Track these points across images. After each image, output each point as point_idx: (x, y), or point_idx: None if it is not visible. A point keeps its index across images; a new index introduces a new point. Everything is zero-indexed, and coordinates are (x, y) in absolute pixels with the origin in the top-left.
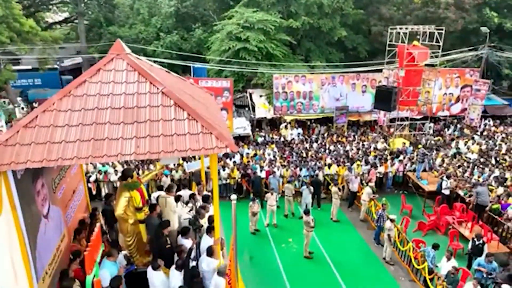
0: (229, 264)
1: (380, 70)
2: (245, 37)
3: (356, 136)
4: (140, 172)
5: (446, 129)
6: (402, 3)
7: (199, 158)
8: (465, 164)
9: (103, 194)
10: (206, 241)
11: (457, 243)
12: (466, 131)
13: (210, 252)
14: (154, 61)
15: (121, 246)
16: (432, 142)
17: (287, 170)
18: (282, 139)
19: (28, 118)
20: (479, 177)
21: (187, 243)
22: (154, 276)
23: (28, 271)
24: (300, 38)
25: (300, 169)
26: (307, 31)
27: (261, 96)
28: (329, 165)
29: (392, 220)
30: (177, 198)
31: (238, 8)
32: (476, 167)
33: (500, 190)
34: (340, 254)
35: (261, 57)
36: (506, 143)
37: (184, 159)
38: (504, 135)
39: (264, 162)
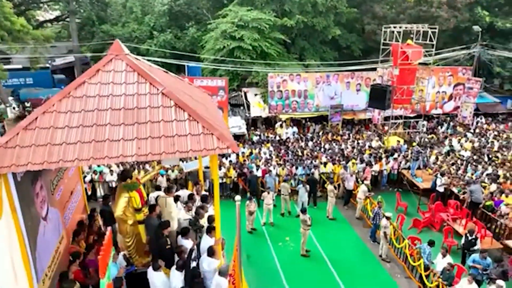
0: (233, 264)
1: (374, 69)
2: (240, 35)
3: (350, 135)
4: (136, 172)
5: (439, 127)
6: (395, 2)
7: (196, 158)
8: (459, 161)
9: (98, 194)
10: (206, 241)
11: (451, 240)
12: (459, 128)
13: (211, 252)
14: (148, 60)
15: (120, 247)
16: (426, 140)
17: (283, 169)
18: (277, 138)
19: (28, 120)
20: (472, 174)
21: (187, 243)
22: (155, 277)
23: (29, 273)
24: (294, 37)
25: (296, 168)
26: (301, 30)
27: (256, 95)
28: (325, 164)
29: (388, 218)
30: (176, 199)
31: (232, 7)
32: (469, 164)
33: (493, 187)
34: (337, 252)
35: (255, 56)
36: (498, 141)
37: (181, 159)
38: (496, 133)
39: (260, 161)
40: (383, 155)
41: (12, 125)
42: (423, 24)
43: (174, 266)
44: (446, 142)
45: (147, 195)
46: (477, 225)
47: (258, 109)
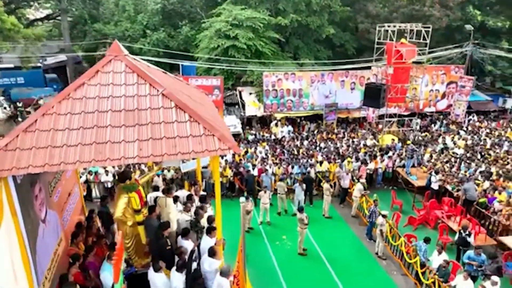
0: (237, 265)
1: (368, 67)
2: (234, 34)
3: (345, 133)
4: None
5: (432, 125)
6: (388, 0)
7: (194, 158)
8: (452, 159)
9: (93, 195)
10: (206, 241)
11: (446, 237)
12: (452, 126)
13: (212, 252)
14: (141, 59)
15: None
16: (420, 138)
17: (279, 168)
18: (273, 137)
19: (28, 122)
20: (465, 172)
21: (187, 244)
22: (156, 278)
23: (29, 276)
24: (289, 36)
25: (292, 167)
26: (295, 29)
27: (250, 94)
28: (321, 163)
29: (384, 216)
30: (175, 199)
31: (226, 5)
32: (462, 162)
33: (486, 184)
34: (333, 250)
35: (250, 55)
36: (490, 138)
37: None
38: (488, 130)
39: (256, 160)
40: (378, 154)
41: (3, 125)
42: (416, 23)
43: (175, 267)
44: (440, 140)
45: (146, 196)
46: (471, 222)
47: (253, 108)
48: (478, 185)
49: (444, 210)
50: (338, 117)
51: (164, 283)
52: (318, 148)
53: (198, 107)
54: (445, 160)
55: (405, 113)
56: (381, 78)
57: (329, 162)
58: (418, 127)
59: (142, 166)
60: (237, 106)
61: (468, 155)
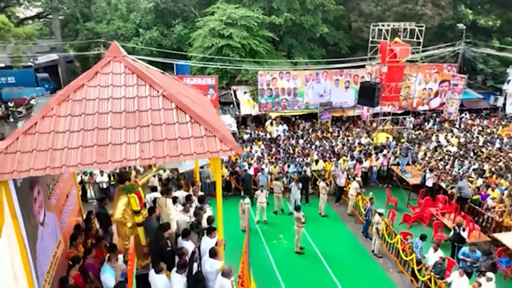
0: (242, 266)
1: (362, 66)
2: (228, 33)
3: (340, 132)
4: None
5: (426, 123)
6: None
7: None
8: (446, 157)
9: (88, 195)
10: (207, 242)
11: (441, 234)
12: (445, 124)
13: (213, 253)
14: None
15: (119, 249)
16: (413, 136)
17: (275, 167)
18: (268, 135)
19: (28, 124)
20: (459, 169)
21: (187, 245)
22: (157, 280)
23: (30, 279)
24: (283, 35)
25: (288, 166)
26: (289, 28)
27: (245, 93)
28: (316, 161)
29: (380, 214)
30: (174, 200)
31: (220, 4)
32: (456, 159)
33: (479, 181)
34: (330, 248)
35: (244, 54)
36: (482, 136)
37: None
38: (480, 128)
39: (252, 159)
40: (373, 152)
41: None
42: (409, 22)
43: (175, 269)
44: (433, 138)
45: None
46: (466, 219)
47: (248, 107)
48: (471, 182)
49: (438, 207)
50: (333, 116)
51: (165, 285)
52: (313, 147)
53: (198, 108)
54: (439, 158)
55: (399, 112)
56: (375, 77)
57: (325, 161)
58: (411, 125)
59: (138, 167)
60: (231, 105)
61: (461, 152)
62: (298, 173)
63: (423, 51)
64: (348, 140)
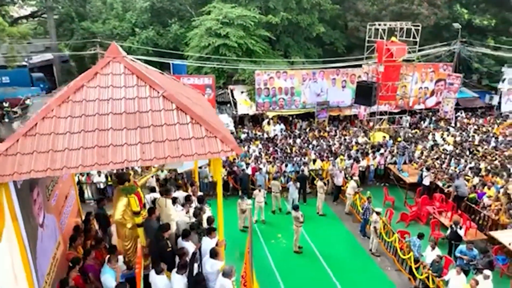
0: (244, 266)
1: (358, 65)
2: (225, 33)
3: (337, 131)
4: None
5: (422, 122)
6: None
7: None
8: (442, 155)
9: (86, 196)
10: (207, 243)
11: (438, 232)
12: (440, 123)
13: (213, 253)
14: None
15: (119, 250)
16: (410, 135)
17: (273, 166)
18: (265, 135)
19: (28, 126)
20: (455, 168)
21: (188, 245)
22: (158, 280)
23: (31, 282)
24: (279, 34)
25: (286, 165)
26: (286, 27)
27: (242, 92)
28: (314, 161)
29: (378, 213)
30: (173, 200)
31: (216, 3)
32: (452, 158)
33: (476, 180)
34: (328, 247)
35: (241, 53)
36: (478, 135)
37: None
38: (476, 127)
39: (249, 159)
40: (370, 151)
41: None
42: (406, 21)
43: (175, 269)
44: (430, 136)
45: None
46: (462, 217)
47: (245, 106)
48: (468, 181)
49: (435, 206)
50: (330, 115)
51: (166, 285)
52: (311, 146)
53: (198, 108)
54: (435, 157)
55: (395, 111)
56: (372, 76)
57: (322, 160)
58: (408, 124)
59: (136, 167)
60: (229, 105)
61: (457, 151)
62: (296, 173)
63: (419, 51)
64: (345, 139)
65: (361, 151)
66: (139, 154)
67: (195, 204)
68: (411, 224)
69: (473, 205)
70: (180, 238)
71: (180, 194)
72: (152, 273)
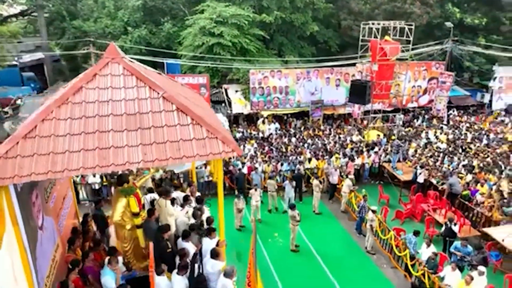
0: (249, 266)
1: (352, 64)
2: (219, 32)
3: (331, 130)
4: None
5: (415, 120)
6: None
7: None
8: (436, 153)
9: (80, 197)
10: (207, 243)
11: (432, 229)
12: (433, 121)
13: (214, 254)
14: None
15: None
16: (403, 133)
17: (268, 165)
18: (260, 134)
19: (27, 128)
20: (449, 166)
21: (188, 246)
22: (159, 281)
23: (31, 285)
24: (273, 33)
25: (281, 164)
26: (280, 26)
27: (236, 91)
28: (309, 159)
29: (374, 211)
30: (172, 201)
31: (210, 2)
32: (446, 156)
33: (469, 177)
34: (325, 246)
35: (235, 52)
36: (470, 132)
37: None
38: (468, 125)
39: (245, 158)
40: (364, 149)
41: None
42: (398, 20)
43: (176, 270)
44: (423, 135)
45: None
46: (456, 214)
47: (239, 105)
48: (461, 178)
49: (429, 203)
50: (324, 114)
51: (167, 286)
52: (306, 145)
53: (198, 109)
54: (429, 155)
55: (389, 109)
56: (365, 75)
57: (317, 159)
58: (401, 123)
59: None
60: (223, 104)
61: (450, 149)
62: (292, 172)
63: (412, 49)
64: (339, 137)
65: (356, 150)
66: (141, 156)
67: (193, 204)
68: (406, 221)
69: (467, 202)
70: (180, 239)
71: (178, 195)
72: (153, 274)
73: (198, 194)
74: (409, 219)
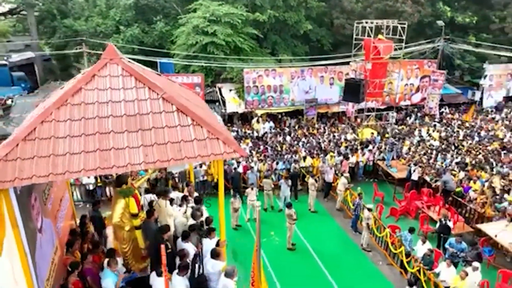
0: (252, 265)
1: (345, 63)
2: (213, 31)
3: (326, 128)
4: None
5: (408, 118)
6: None
7: None
8: (429, 151)
9: (74, 198)
10: (207, 243)
11: (427, 226)
12: (426, 119)
13: (214, 254)
14: None
15: (117, 253)
16: (397, 131)
17: (264, 164)
18: (255, 133)
19: (26, 130)
20: (442, 163)
21: (188, 247)
22: (159, 282)
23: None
24: (266, 32)
25: (277, 163)
26: (273, 25)
27: (230, 90)
28: (304, 158)
29: (370, 210)
30: (171, 201)
31: (203, 1)
32: (439, 153)
33: (462, 174)
34: (321, 244)
35: (229, 51)
36: (462, 130)
37: None
38: (459, 122)
39: (240, 157)
40: (359, 147)
41: None
42: (390, 19)
43: (176, 271)
44: (416, 132)
45: None
46: (450, 211)
47: (233, 105)
48: (454, 175)
49: (423, 200)
50: (318, 112)
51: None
52: (300, 144)
53: (198, 109)
54: (422, 152)
55: (382, 107)
56: (359, 74)
57: (312, 157)
58: (394, 121)
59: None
60: (217, 103)
61: (443, 146)
62: (287, 170)
63: (404, 48)
64: (334, 136)
65: (350, 148)
66: (142, 157)
67: (191, 204)
68: (400, 218)
69: (460, 199)
70: (179, 240)
71: (176, 195)
72: (153, 275)
73: (196, 194)
74: (403, 216)
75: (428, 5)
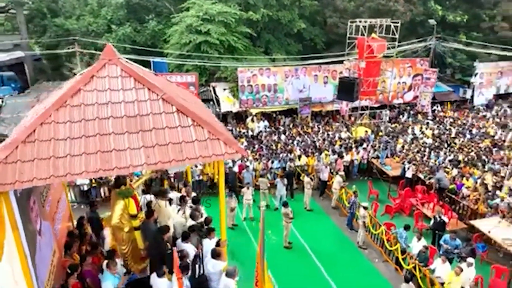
0: (256, 266)
1: (339, 62)
2: (206, 30)
3: (320, 127)
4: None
5: (400, 116)
6: None
7: None
8: (422, 149)
9: (69, 199)
10: (207, 244)
11: (421, 223)
12: (418, 117)
13: (215, 254)
14: None
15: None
16: (390, 129)
17: (259, 163)
18: (249, 132)
19: (26, 132)
20: (435, 160)
21: (187, 247)
22: (159, 283)
23: None
24: (260, 31)
25: (272, 162)
26: (267, 23)
27: (224, 89)
28: (299, 157)
29: (365, 208)
30: (169, 202)
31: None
32: (432, 151)
33: (455, 171)
34: (317, 242)
35: (223, 50)
36: (454, 127)
37: None
38: (451, 120)
39: None
40: (353, 145)
41: None
42: (383, 17)
43: None
44: (409, 130)
45: None
46: (444, 208)
47: (228, 104)
48: (447, 173)
49: (418, 197)
50: (312, 111)
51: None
52: (295, 142)
53: (198, 110)
54: (416, 150)
55: (375, 105)
56: (353, 72)
57: (307, 156)
58: (387, 119)
59: None
60: (211, 102)
61: (436, 144)
62: (283, 169)
63: (398, 47)
64: (328, 134)
65: (345, 146)
66: (144, 159)
67: (189, 204)
68: (395, 216)
69: (453, 196)
70: (179, 240)
71: (174, 195)
72: (154, 276)
73: (193, 194)
74: (398, 213)
75: (420, 4)
